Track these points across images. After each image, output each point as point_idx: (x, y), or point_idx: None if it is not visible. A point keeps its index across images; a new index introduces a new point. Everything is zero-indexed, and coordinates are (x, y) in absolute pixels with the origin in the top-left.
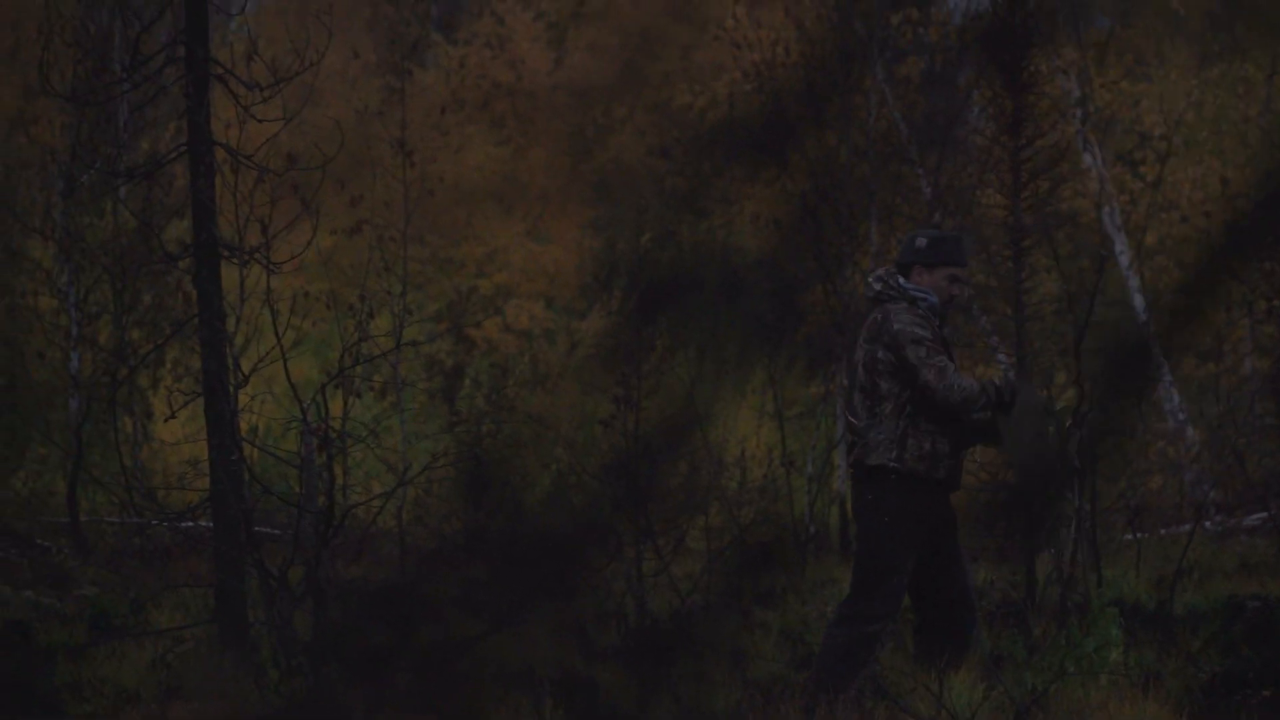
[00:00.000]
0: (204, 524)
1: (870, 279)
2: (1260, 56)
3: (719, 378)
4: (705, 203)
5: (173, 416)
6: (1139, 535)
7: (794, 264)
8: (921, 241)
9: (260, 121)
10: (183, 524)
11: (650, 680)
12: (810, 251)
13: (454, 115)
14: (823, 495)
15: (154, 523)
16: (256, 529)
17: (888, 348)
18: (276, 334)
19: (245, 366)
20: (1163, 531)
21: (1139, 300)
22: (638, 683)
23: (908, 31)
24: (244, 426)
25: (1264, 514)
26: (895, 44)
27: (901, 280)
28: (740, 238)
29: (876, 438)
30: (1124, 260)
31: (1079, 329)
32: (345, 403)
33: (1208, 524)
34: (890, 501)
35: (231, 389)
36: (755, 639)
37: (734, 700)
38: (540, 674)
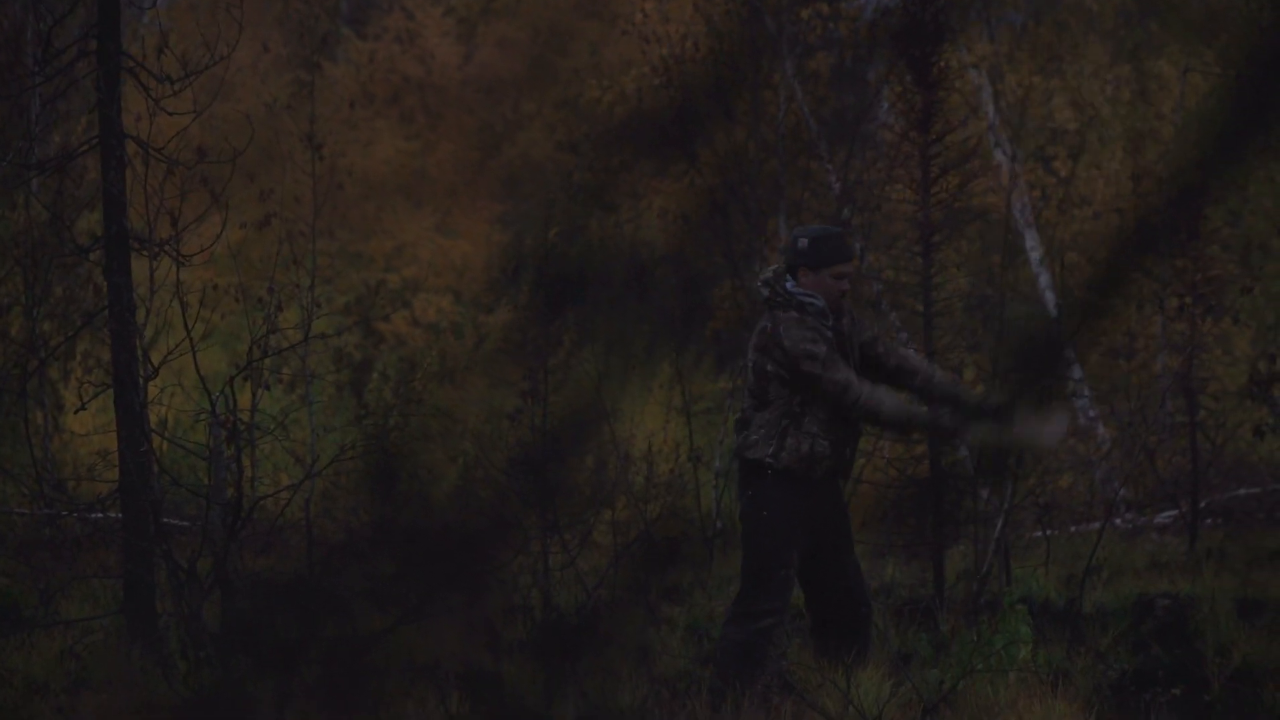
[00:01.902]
0: (113, 515)
1: (759, 282)
2: (1174, 53)
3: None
4: (613, 197)
5: (83, 408)
6: (1049, 533)
7: (702, 259)
8: (803, 243)
9: (171, 115)
10: (92, 515)
11: (556, 675)
12: (718, 247)
13: (363, 110)
14: (729, 490)
15: (64, 514)
16: (165, 520)
17: (779, 364)
18: (186, 326)
19: (155, 358)
20: (1073, 529)
21: (1050, 297)
22: (544, 677)
23: (818, 26)
24: (153, 418)
25: (1174, 512)
26: (805, 39)
27: (789, 284)
28: (648, 233)
29: (757, 432)
30: (1035, 257)
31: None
32: (254, 395)
33: (1118, 521)
34: (768, 496)
35: (141, 381)
36: (662, 634)
37: (640, 696)
38: (446, 668)
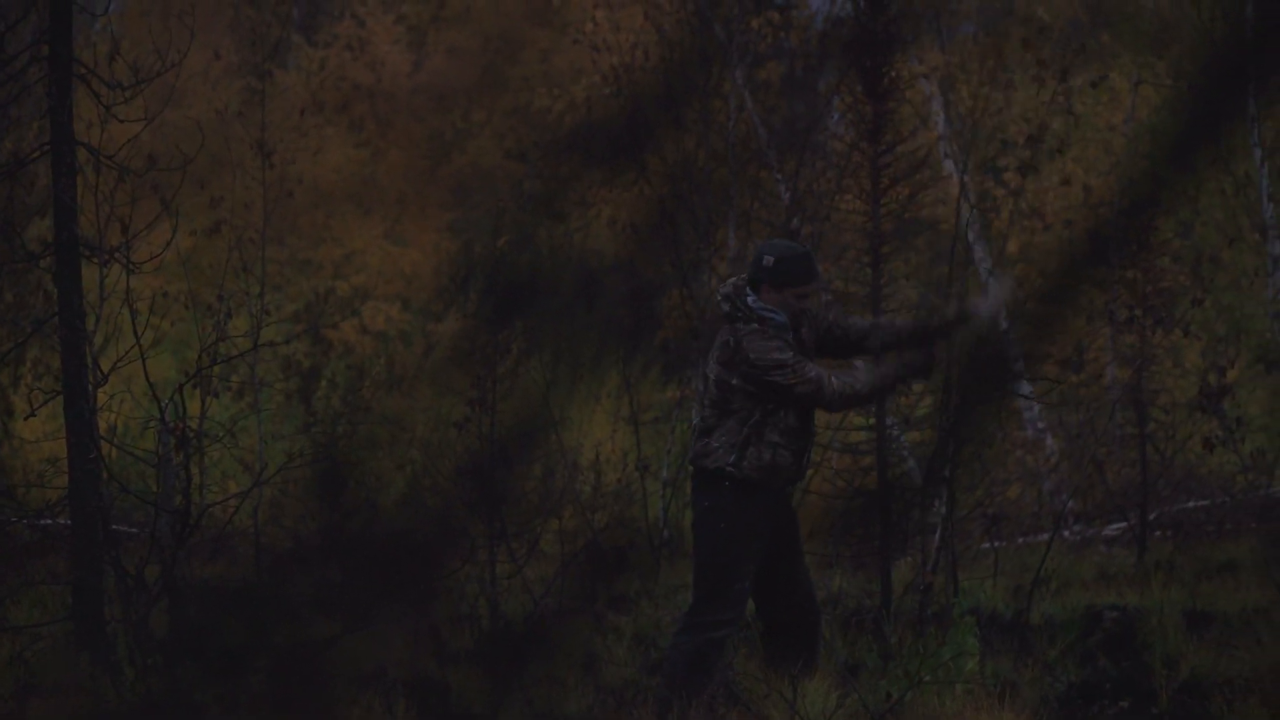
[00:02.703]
0: (62, 522)
1: (719, 295)
2: (1125, 65)
3: (574, 381)
4: (562, 206)
5: (32, 414)
6: (997, 544)
7: (651, 268)
8: (768, 260)
9: (122, 122)
10: (41, 521)
11: (503, 683)
12: (667, 256)
13: (313, 117)
14: (677, 499)
15: (12, 520)
16: (114, 527)
17: (745, 377)
18: (136, 333)
19: (104, 365)
20: (1021, 540)
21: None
22: (490, 685)
23: (768, 35)
24: (103, 425)
25: (1123, 524)
26: (755, 48)
27: (750, 299)
28: (597, 241)
29: (718, 440)
30: (984, 268)
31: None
32: (203, 402)
33: (1066, 533)
34: (726, 507)
35: (90, 388)
36: (608, 643)
37: (586, 704)
38: (393, 675)
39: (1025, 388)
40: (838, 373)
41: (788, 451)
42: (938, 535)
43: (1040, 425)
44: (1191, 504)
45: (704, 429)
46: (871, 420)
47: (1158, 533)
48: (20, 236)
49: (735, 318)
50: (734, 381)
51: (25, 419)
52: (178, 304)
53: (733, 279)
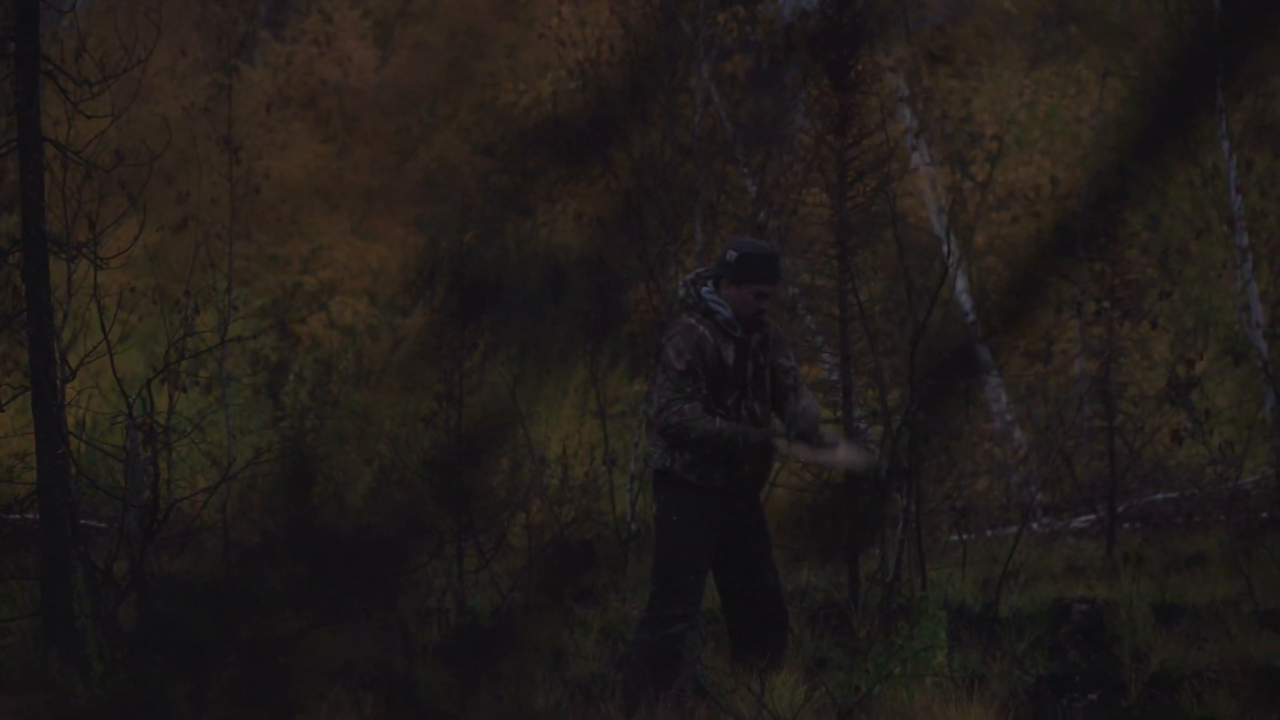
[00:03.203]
0: (31, 517)
1: (681, 283)
2: (1092, 57)
3: (541, 375)
4: (529, 201)
5: (0, 410)
6: (965, 537)
7: (617, 262)
8: (731, 255)
9: (89, 118)
10: (9, 517)
11: (470, 678)
12: (633, 250)
13: (280, 113)
14: (645, 493)
15: None
16: (83, 522)
17: (656, 362)
18: (103, 329)
19: (72, 361)
20: (989, 533)
21: (967, 300)
22: (458, 680)
23: (734, 29)
24: (71, 420)
25: (1091, 516)
26: (721, 42)
27: (704, 289)
28: (564, 236)
29: (654, 442)
30: (952, 261)
31: (915, 330)
32: (171, 397)
33: (1034, 526)
34: (677, 501)
35: (58, 383)
36: (576, 637)
37: (554, 699)
38: (361, 670)
39: (993, 379)
40: (698, 415)
41: (708, 460)
42: (900, 528)
43: (1008, 417)
44: (1160, 496)
45: (648, 427)
46: (839, 413)
47: (1126, 525)
48: None
49: (686, 304)
50: (661, 378)
51: None
52: (145, 299)
53: (699, 270)
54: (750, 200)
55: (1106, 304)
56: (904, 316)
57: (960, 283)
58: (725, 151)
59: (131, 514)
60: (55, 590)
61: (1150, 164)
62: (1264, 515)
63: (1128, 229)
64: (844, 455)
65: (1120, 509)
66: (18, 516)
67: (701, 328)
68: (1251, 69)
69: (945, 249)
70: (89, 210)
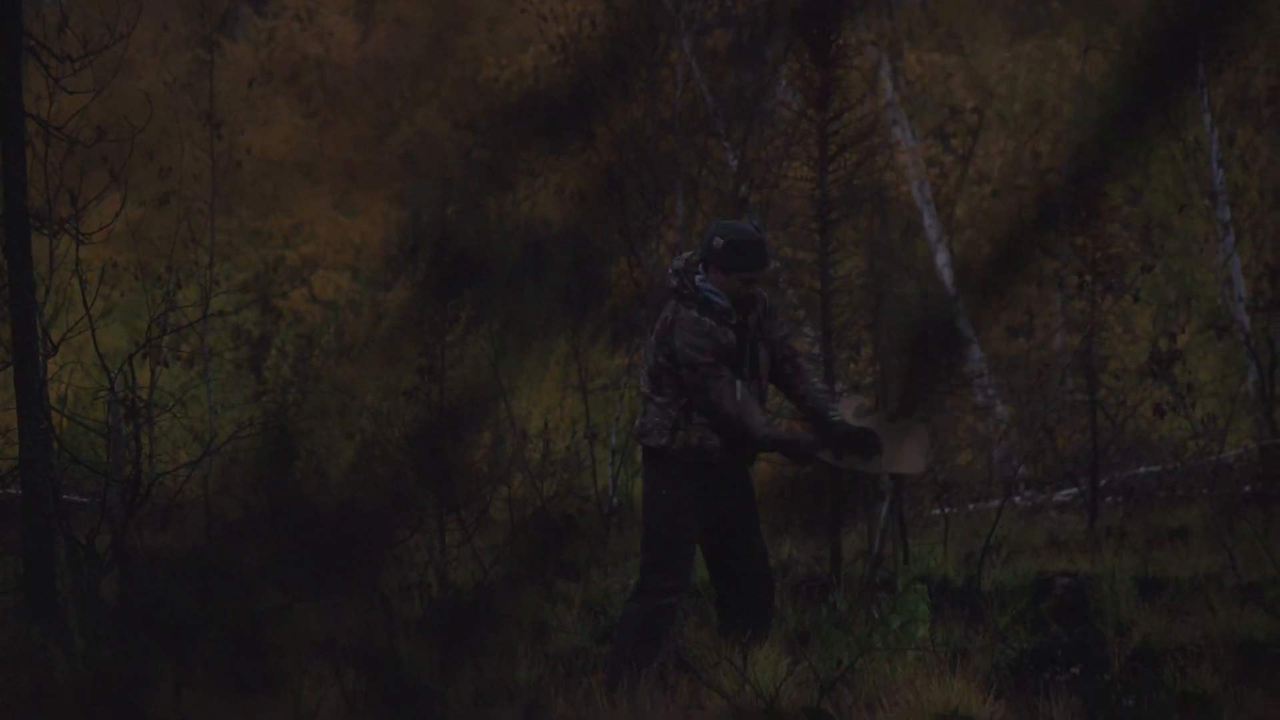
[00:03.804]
0: (13, 492)
1: (670, 269)
2: (1074, 31)
3: (523, 350)
4: (510, 176)
5: None
6: (947, 511)
7: (598, 236)
8: (718, 242)
9: (71, 93)
10: None
11: (452, 652)
12: (615, 224)
13: (262, 88)
14: (626, 467)
15: None
16: (65, 497)
17: (669, 358)
18: (85, 304)
19: (54, 336)
20: (971, 507)
21: (948, 274)
22: (440, 654)
23: (715, 4)
24: (53, 395)
25: (1074, 490)
26: (702, 17)
27: (698, 278)
28: (545, 210)
29: (651, 420)
30: (933, 234)
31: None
32: (153, 372)
33: (1017, 499)
34: (667, 476)
35: (40, 358)
36: (557, 611)
37: (536, 673)
38: (343, 645)
39: (975, 354)
40: (744, 400)
41: (715, 436)
42: (885, 503)
43: (990, 392)
44: (1142, 470)
45: (643, 402)
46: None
47: (1109, 499)
48: None
49: (681, 295)
50: (662, 359)
51: None
52: (127, 274)
53: (686, 254)
54: (731, 174)
55: (1088, 278)
56: (885, 290)
57: (941, 257)
58: (707, 126)
59: (113, 489)
60: (37, 566)
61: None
62: (1246, 489)
63: (1109, 203)
64: (897, 462)
65: (1102, 483)
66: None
67: (706, 319)
68: (1233, 44)
69: (927, 223)
70: (71, 185)
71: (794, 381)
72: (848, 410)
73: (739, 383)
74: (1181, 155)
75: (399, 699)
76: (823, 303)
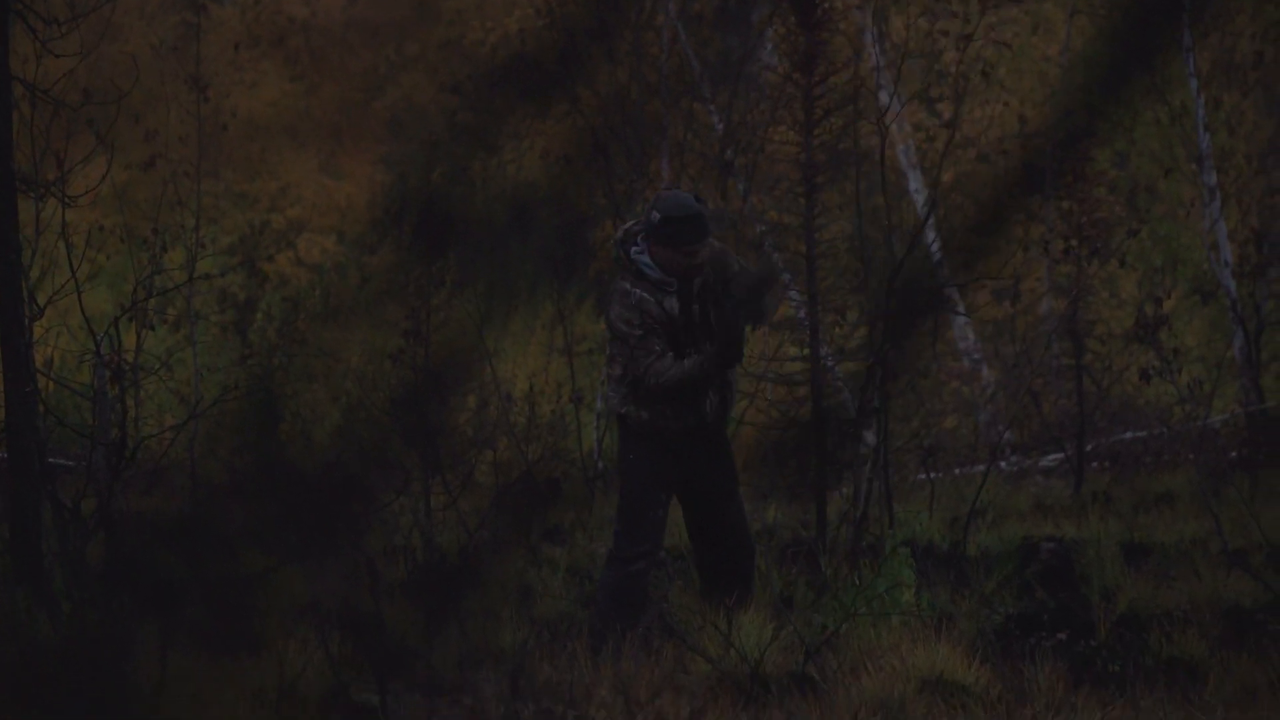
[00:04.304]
0: None
1: (614, 239)
2: None
3: (508, 313)
4: (496, 139)
5: None
6: (933, 475)
7: (584, 200)
8: (656, 217)
9: (58, 56)
10: None
11: (437, 615)
12: (600, 187)
13: (248, 51)
14: (611, 431)
15: None
16: (50, 461)
17: (609, 329)
18: (71, 267)
19: (40, 299)
20: (957, 471)
21: (932, 238)
22: (424, 618)
23: None
24: (39, 359)
25: (1060, 455)
26: None
27: (633, 250)
28: (531, 174)
29: (612, 389)
30: (919, 199)
31: (894, 269)
32: (138, 335)
33: (1002, 464)
34: (633, 443)
35: (26, 321)
36: (543, 575)
37: (521, 637)
38: (328, 608)
39: (960, 318)
40: (671, 369)
41: (667, 407)
42: (868, 466)
43: (976, 356)
44: (1128, 435)
45: (607, 372)
46: (806, 351)
47: (1095, 464)
48: None
49: (618, 265)
50: (609, 334)
51: None
52: (113, 237)
53: (628, 224)
54: (717, 138)
55: (1074, 242)
56: (875, 254)
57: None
58: (692, 90)
59: (99, 452)
60: (23, 529)
61: (1118, 102)
62: (1232, 454)
63: (1095, 167)
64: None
65: (1088, 448)
66: None
67: (638, 290)
68: (1218, 7)
69: (912, 187)
70: (57, 148)
71: None
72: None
73: (669, 356)
74: (1167, 119)
75: (384, 662)
76: (808, 267)
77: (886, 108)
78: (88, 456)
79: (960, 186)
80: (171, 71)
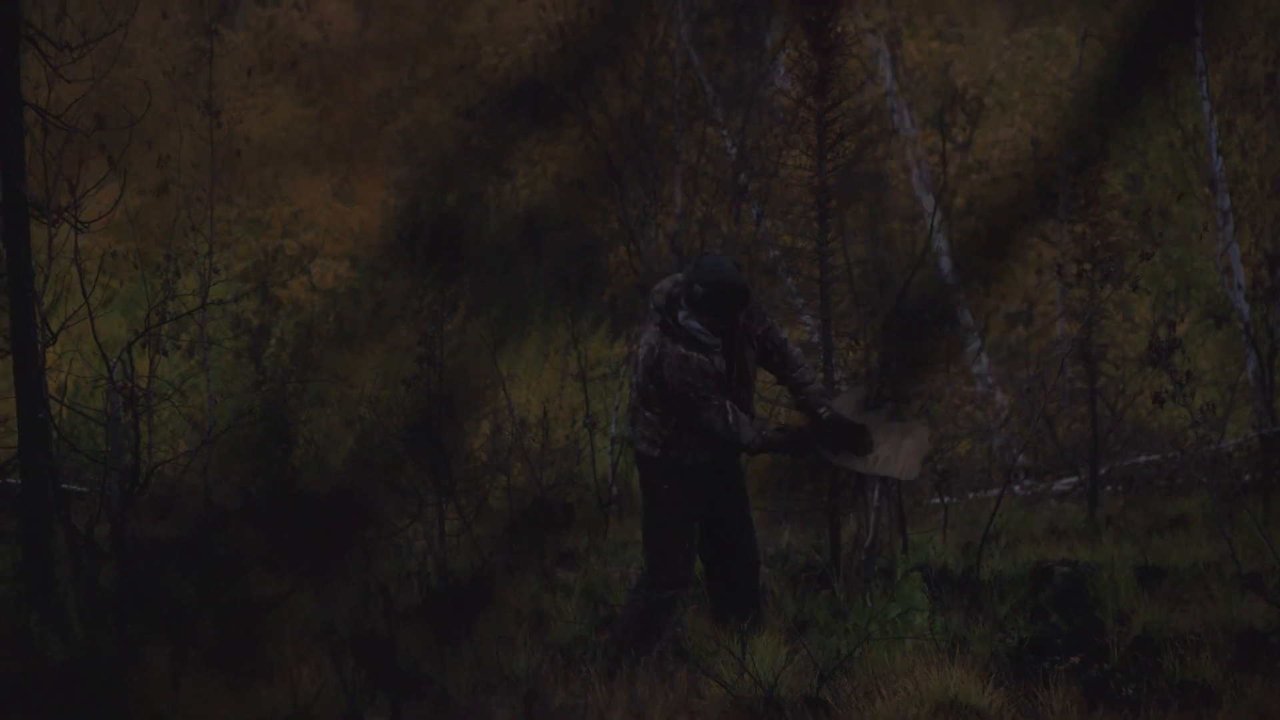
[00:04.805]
0: (12, 481)
1: (653, 302)
2: (1072, 18)
3: (522, 338)
4: (509, 163)
5: None
6: (946, 499)
7: (597, 225)
8: (700, 291)
9: (70, 82)
10: None
11: (451, 640)
12: (614, 212)
13: (262, 76)
14: (625, 456)
15: None
16: (64, 486)
17: (660, 387)
18: (84, 292)
19: (53, 325)
20: (971, 495)
21: (946, 262)
22: (438, 642)
23: None
24: (52, 385)
25: (1074, 479)
26: (701, 4)
27: (681, 315)
28: (544, 198)
29: (642, 431)
30: (933, 222)
31: (900, 292)
32: (152, 361)
33: (1016, 488)
34: (668, 475)
35: (39, 347)
36: (557, 600)
37: (535, 661)
38: (341, 633)
39: (974, 341)
40: (738, 423)
41: (706, 451)
42: (877, 491)
43: (990, 380)
44: (1142, 459)
45: (632, 408)
46: (820, 376)
47: (1108, 488)
48: None
49: (665, 330)
50: (651, 387)
51: None
52: (126, 263)
53: (668, 285)
54: (730, 162)
55: (1088, 266)
56: (885, 278)
57: (940, 244)
58: (706, 114)
59: (112, 477)
60: (36, 554)
61: (1130, 126)
62: (1246, 477)
63: (1108, 191)
64: (893, 464)
65: (1102, 471)
66: None
67: (694, 354)
68: (1231, 30)
69: (926, 210)
70: (69, 174)
71: (784, 370)
72: (849, 404)
73: (728, 404)
74: (1180, 143)
75: (397, 686)
76: (821, 291)
77: (899, 131)
78: (101, 482)
79: (973, 210)
80: (184, 97)
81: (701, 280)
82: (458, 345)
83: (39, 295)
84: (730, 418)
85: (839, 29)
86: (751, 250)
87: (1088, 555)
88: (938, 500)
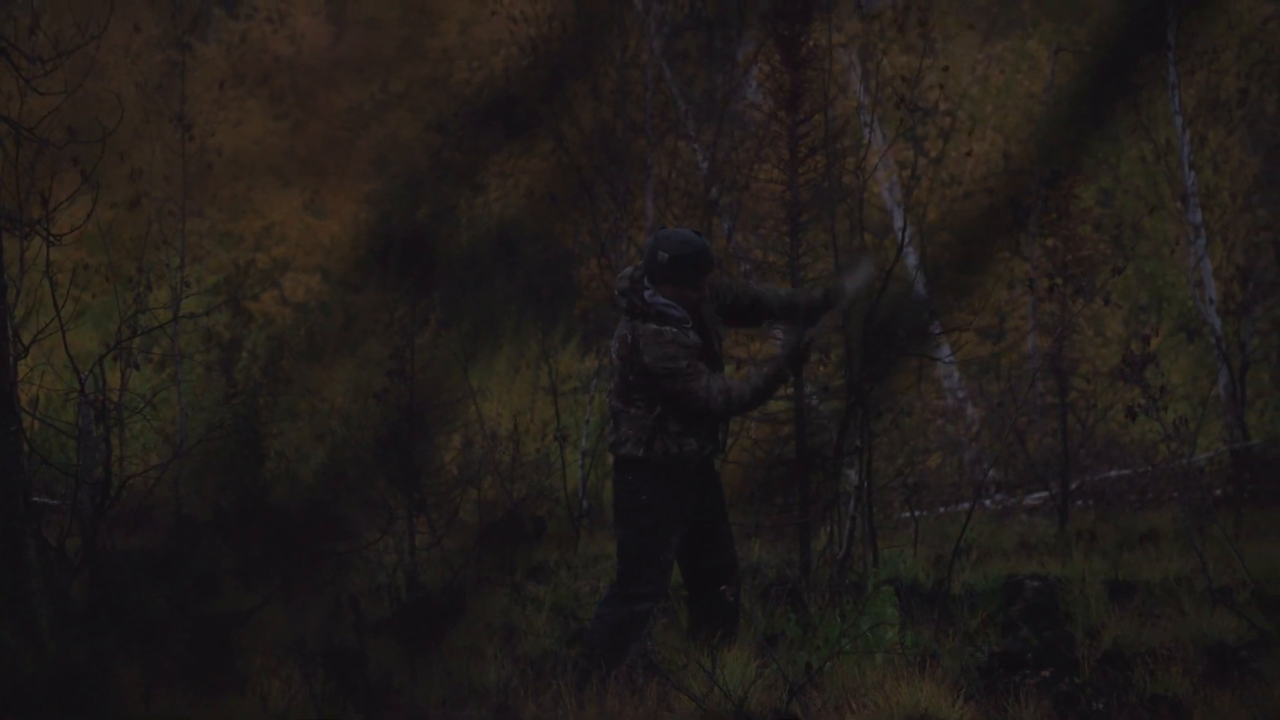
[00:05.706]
0: None
1: (617, 290)
2: (1045, 32)
3: (493, 351)
4: (481, 177)
5: None
6: (917, 513)
7: (569, 238)
8: (663, 257)
9: (42, 94)
10: None
11: (421, 653)
12: (585, 226)
13: (234, 89)
14: (596, 469)
15: None
16: (35, 499)
17: (640, 375)
18: (56, 306)
19: (25, 338)
20: (941, 510)
21: (917, 276)
22: (409, 655)
23: (685, 5)
24: (23, 398)
25: (1044, 493)
26: (673, 18)
27: (647, 294)
28: (516, 212)
29: (625, 431)
30: (904, 237)
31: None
32: (123, 374)
33: (987, 502)
34: (646, 483)
35: (10, 360)
36: (527, 614)
37: (505, 675)
38: (312, 646)
39: (945, 352)
40: (726, 382)
41: (693, 439)
42: (851, 504)
43: (961, 394)
44: (1113, 473)
45: (613, 414)
46: (790, 389)
47: (1079, 502)
48: None
49: (634, 312)
50: (631, 377)
51: None
52: (98, 276)
53: (629, 270)
54: (702, 176)
55: (1059, 280)
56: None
57: (911, 258)
58: (677, 127)
59: (84, 491)
60: (7, 567)
61: (1102, 139)
62: (1217, 492)
63: (1080, 205)
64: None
65: (1073, 486)
66: None
67: (667, 329)
68: (1203, 45)
69: (896, 225)
70: (41, 187)
71: (763, 302)
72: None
73: (718, 376)
74: (1153, 157)
75: (367, 699)
76: None
77: (870, 145)
78: (72, 495)
79: (945, 224)
80: (156, 109)
81: (665, 247)
82: (429, 359)
83: (10, 308)
84: (722, 382)
85: (810, 43)
86: (723, 264)
87: (1058, 569)
88: (908, 514)
